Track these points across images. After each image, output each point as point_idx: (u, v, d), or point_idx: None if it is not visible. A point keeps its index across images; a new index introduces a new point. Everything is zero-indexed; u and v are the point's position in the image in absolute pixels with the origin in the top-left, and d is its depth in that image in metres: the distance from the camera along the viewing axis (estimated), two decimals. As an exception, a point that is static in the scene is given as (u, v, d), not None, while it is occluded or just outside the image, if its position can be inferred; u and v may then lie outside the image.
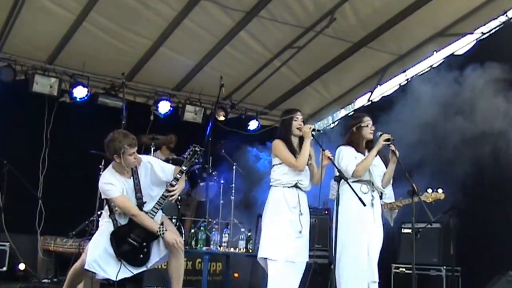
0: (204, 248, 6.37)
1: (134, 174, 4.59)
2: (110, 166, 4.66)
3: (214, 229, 6.65)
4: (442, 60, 7.52)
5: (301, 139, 4.84)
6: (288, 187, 4.78)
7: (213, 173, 7.51)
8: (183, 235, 7.02)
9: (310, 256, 5.00)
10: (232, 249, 6.62)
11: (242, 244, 6.65)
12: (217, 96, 7.33)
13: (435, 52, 7.57)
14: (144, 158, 4.72)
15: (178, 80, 8.40)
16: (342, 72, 8.16)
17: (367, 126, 4.96)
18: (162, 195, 4.59)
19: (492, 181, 6.07)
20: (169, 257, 4.70)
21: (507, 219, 6.07)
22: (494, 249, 6.12)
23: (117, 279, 4.48)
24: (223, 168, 7.73)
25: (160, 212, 4.67)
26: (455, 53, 7.38)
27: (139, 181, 4.59)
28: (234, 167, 7.58)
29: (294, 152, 4.79)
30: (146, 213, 4.55)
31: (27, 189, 6.70)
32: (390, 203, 5.58)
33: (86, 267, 4.41)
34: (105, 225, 4.61)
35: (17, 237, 6.93)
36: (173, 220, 6.68)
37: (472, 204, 5.89)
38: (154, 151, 7.29)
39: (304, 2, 6.79)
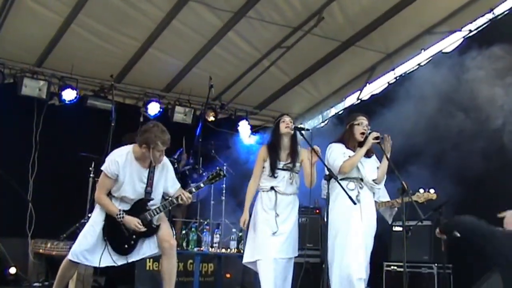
0: (196, 249, 6.37)
1: (151, 168, 4.62)
2: (130, 147, 4.63)
3: (205, 230, 6.65)
4: (430, 57, 7.56)
5: (292, 137, 5.09)
6: (265, 191, 5.10)
7: (204, 174, 7.51)
8: (174, 236, 7.03)
9: (301, 256, 5.04)
10: (223, 250, 6.63)
11: (233, 244, 6.65)
12: (206, 97, 7.33)
13: (423, 50, 7.61)
14: (165, 159, 4.73)
15: (168, 81, 8.39)
16: (331, 71, 8.18)
17: (359, 124, 5.00)
18: (170, 201, 4.68)
19: (484, 178, 6.09)
20: (162, 258, 4.72)
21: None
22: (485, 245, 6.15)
23: (100, 265, 4.57)
24: (214, 168, 7.70)
25: (161, 213, 4.71)
26: (443, 51, 7.42)
27: (153, 176, 4.62)
28: (224, 168, 7.57)
29: (277, 153, 5.09)
30: (149, 210, 4.59)
31: (17, 192, 6.68)
32: (388, 201, 5.61)
33: (69, 257, 4.51)
34: (97, 211, 4.62)
35: (7, 241, 6.89)
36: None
37: (463, 201, 5.91)
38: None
39: (292, 1, 6.80)
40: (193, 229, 6.57)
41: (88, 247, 4.50)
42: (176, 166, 7.45)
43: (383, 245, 6.13)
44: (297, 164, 5.12)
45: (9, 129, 7.28)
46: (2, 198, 6.71)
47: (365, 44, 7.61)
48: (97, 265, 4.57)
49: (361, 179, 4.94)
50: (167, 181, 4.73)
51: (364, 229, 4.83)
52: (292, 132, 5.08)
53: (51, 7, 6.50)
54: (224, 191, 7.43)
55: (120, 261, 4.61)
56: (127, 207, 4.61)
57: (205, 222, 6.97)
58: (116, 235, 4.55)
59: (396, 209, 5.70)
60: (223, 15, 6.95)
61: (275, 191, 5.06)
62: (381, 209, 5.68)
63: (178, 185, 4.84)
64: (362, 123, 5.00)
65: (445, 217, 5.55)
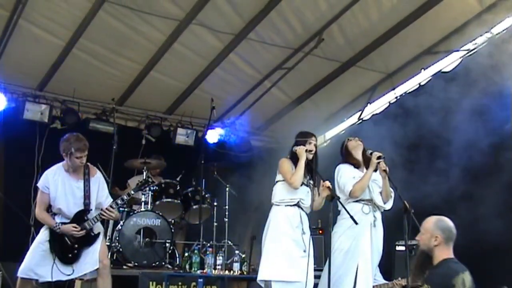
0: (199, 272, 6.32)
1: (86, 181, 4.94)
2: (60, 163, 5.02)
3: (208, 252, 6.60)
4: (430, 77, 7.60)
5: (309, 162, 4.91)
6: (291, 205, 4.82)
7: (206, 196, 7.50)
8: (177, 259, 7.00)
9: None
10: (227, 272, 6.58)
11: (237, 266, 6.61)
12: (208, 119, 7.36)
13: (422, 70, 7.65)
14: (98, 173, 5.15)
15: (169, 103, 8.42)
16: (332, 91, 8.21)
17: (356, 146, 5.06)
18: (100, 213, 4.96)
19: (483, 196, 6.08)
20: (97, 276, 4.90)
21: (505, 234, 6.07)
22: (489, 265, 6.11)
23: (54, 280, 4.79)
24: (216, 190, 7.71)
25: (99, 223, 5.05)
26: (442, 70, 7.45)
27: (89, 188, 4.94)
28: (227, 189, 7.57)
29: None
30: (87, 220, 4.91)
31: (19, 217, 6.64)
32: None
33: (19, 275, 4.77)
34: (42, 229, 4.97)
35: (9, 266, 6.81)
36: (167, 244, 6.68)
37: (466, 220, 5.88)
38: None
39: (292, 23, 6.87)
40: (195, 251, 6.52)
41: (36, 263, 4.77)
42: (178, 188, 7.46)
43: (387, 264, 6.08)
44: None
45: (11, 153, 7.30)
46: (4, 222, 6.70)
47: (365, 64, 7.65)
48: (49, 279, 4.79)
49: (373, 201, 4.94)
50: (100, 193, 5.04)
51: (374, 252, 4.84)
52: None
53: (53, 32, 6.57)
54: (227, 213, 7.41)
55: (67, 271, 4.83)
56: (67, 221, 4.92)
57: (208, 244, 6.93)
58: (61, 246, 4.87)
59: None
60: (224, 38, 7.00)
61: (299, 206, 4.85)
62: None
63: (111, 199, 5.12)
64: (355, 145, 5.10)
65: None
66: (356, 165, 5.08)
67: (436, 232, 3.45)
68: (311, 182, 4.97)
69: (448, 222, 3.53)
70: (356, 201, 4.84)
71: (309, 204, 4.90)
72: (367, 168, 4.99)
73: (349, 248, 4.80)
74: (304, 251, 4.74)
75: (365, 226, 4.87)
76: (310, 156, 4.92)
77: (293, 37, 7.12)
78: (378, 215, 4.98)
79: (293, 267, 4.67)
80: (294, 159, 4.90)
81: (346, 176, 4.93)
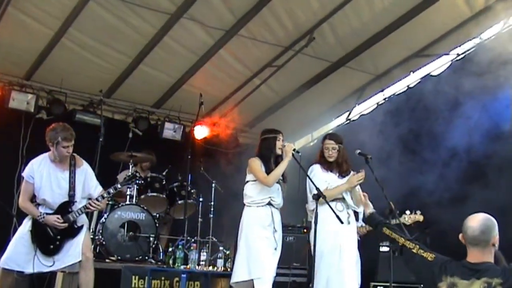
0: (182, 267, 6.30)
1: (72, 172, 4.89)
2: (46, 153, 4.94)
3: (192, 248, 6.58)
4: (419, 80, 7.65)
5: (277, 159, 5.00)
6: (262, 205, 4.94)
7: (192, 191, 7.48)
8: (160, 254, 6.97)
9: (287, 275, 5.03)
10: (210, 268, 6.57)
11: (220, 262, 6.59)
12: (196, 114, 7.33)
13: (411, 72, 7.69)
14: (85, 164, 5.07)
15: (158, 97, 8.38)
16: (321, 91, 8.22)
17: (326, 149, 5.10)
18: (86, 205, 4.90)
19: (467, 196, 6.14)
20: (79, 268, 4.85)
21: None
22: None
23: (35, 271, 4.73)
24: (202, 186, 7.69)
25: (83, 215, 4.98)
26: (431, 74, 7.50)
27: (74, 180, 4.89)
28: (213, 185, 7.55)
29: (270, 170, 4.94)
30: (71, 211, 4.85)
31: (1, 207, 6.57)
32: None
33: (1, 265, 4.69)
34: (25, 221, 4.91)
35: (-10, 256, 6.77)
36: (151, 238, 6.64)
37: (448, 220, 5.94)
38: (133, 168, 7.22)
39: (284, 21, 6.86)
40: (179, 246, 6.50)
41: (18, 254, 4.73)
42: (164, 183, 7.43)
43: (370, 265, 6.12)
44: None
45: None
46: (-14, 212, 6.61)
47: (355, 65, 7.67)
48: (31, 270, 4.74)
49: (345, 200, 5.00)
50: (88, 184, 5.00)
51: (351, 248, 4.85)
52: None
53: (42, 21, 6.49)
54: (212, 209, 7.40)
55: (48, 262, 4.77)
56: (51, 212, 4.86)
57: (192, 240, 6.91)
58: (43, 236, 4.82)
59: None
60: (214, 33, 6.98)
61: (271, 204, 4.97)
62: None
63: (99, 186, 5.08)
64: (328, 148, 5.10)
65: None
66: (330, 168, 5.10)
67: (463, 231, 3.30)
68: (281, 178, 5.05)
69: (473, 225, 3.32)
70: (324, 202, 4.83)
71: (280, 201, 5.03)
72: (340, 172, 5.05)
73: (330, 246, 4.80)
74: (275, 248, 4.89)
75: (337, 225, 4.88)
76: (280, 152, 5.01)
77: (284, 35, 7.11)
78: (351, 212, 5.04)
79: (268, 265, 4.79)
80: (264, 158, 5.01)
81: (318, 178, 4.95)
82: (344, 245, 4.85)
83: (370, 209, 4.00)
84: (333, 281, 4.73)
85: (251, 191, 4.99)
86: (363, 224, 5.44)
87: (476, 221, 3.20)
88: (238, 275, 4.88)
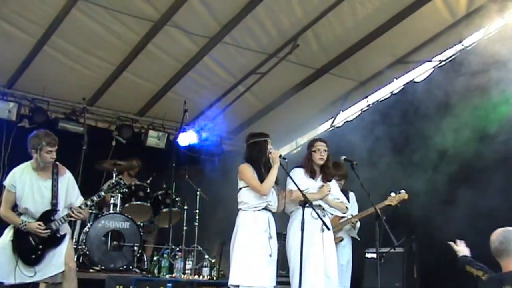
0: (167, 276, 6.25)
1: (54, 181, 4.84)
2: (28, 162, 4.89)
3: (177, 256, 6.53)
4: (402, 86, 7.70)
5: (266, 164, 4.88)
6: (259, 210, 4.79)
7: (177, 199, 7.43)
8: (145, 263, 6.90)
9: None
10: (196, 277, 6.52)
11: (206, 271, 6.55)
12: (180, 122, 7.29)
13: (395, 79, 7.75)
14: (67, 172, 5.02)
15: (141, 105, 8.34)
16: (305, 98, 8.24)
17: (316, 151, 5.11)
18: (68, 213, 4.84)
19: (455, 202, 6.18)
20: (62, 279, 4.79)
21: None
22: (458, 272, 6.20)
23: (17, 282, 4.65)
24: (187, 194, 7.64)
25: (66, 224, 4.93)
26: (414, 80, 7.56)
27: (57, 188, 4.84)
28: (198, 193, 7.51)
29: (262, 175, 4.80)
30: (53, 220, 4.78)
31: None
32: (346, 220, 5.66)
33: None
34: (5, 232, 4.83)
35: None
36: (135, 248, 6.58)
37: (435, 226, 5.97)
38: (116, 176, 7.15)
39: (268, 28, 6.88)
40: (165, 255, 6.45)
41: None
42: (148, 191, 7.37)
43: (356, 271, 6.12)
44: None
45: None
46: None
47: (339, 72, 7.71)
48: (12, 281, 4.65)
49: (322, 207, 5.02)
50: (70, 193, 4.95)
51: (327, 258, 4.88)
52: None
53: (24, 28, 6.43)
54: (197, 217, 7.34)
55: (30, 273, 4.69)
56: (34, 221, 4.78)
57: (177, 248, 6.85)
58: (25, 246, 4.73)
59: (358, 224, 5.80)
60: (198, 40, 6.97)
61: (267, 209, 4.83)
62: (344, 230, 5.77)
63: (82, 198, 5.02)
64: (318, 150, 5.10)
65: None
66: (307, 173, 5.11)
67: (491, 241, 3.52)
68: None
69: (493, 238, 3.50)
70: (307, 206, 4.79)
71: (276, 205, 4.92)
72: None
73: (301, 250, 4.77)
74: (270, 255, 4.73)
75: (314, 231, 4.89)
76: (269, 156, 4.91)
77: (268, 42, 7.13)
78: (327, 220, 5.03)
79: (261, 273, 4.65)
80: (254, 162, 4.86)
81: (296, 180, 4.93)
82: (319, 250, 4.87)
83: (461, 253, 4.10)
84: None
85: (246, 197, 4.81)
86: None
87: (495, 234, 3.52)
88: (236, 278, 4.68)
